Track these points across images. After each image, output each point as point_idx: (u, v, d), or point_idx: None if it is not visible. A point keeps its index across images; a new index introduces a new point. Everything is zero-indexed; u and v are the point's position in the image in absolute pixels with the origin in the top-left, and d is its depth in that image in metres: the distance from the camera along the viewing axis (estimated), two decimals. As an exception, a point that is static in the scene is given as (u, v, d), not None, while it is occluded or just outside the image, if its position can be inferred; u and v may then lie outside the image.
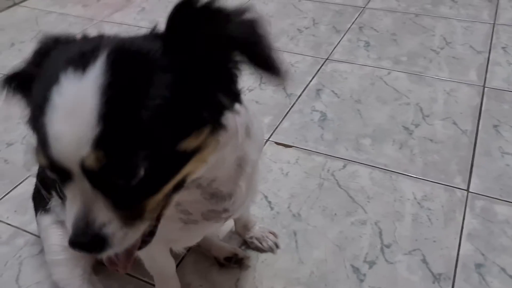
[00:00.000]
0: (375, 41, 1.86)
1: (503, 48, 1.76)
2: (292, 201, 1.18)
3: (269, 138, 1.39)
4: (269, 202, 1.18)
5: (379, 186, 1.21)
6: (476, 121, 1.40)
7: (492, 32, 1.86)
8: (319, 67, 1.71)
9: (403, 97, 1.53)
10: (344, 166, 1.27)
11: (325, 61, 1.75)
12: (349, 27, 1.97)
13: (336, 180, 1.23)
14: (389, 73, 1.65)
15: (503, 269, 0.99)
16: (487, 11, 2.02)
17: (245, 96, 1.62)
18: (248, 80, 1.65)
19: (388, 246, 1.06)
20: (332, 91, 1.58)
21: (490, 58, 1.70)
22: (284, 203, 1.18)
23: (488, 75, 1.61)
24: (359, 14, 2.06)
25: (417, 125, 1.40)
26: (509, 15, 1.99)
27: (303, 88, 1.60)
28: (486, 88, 1.54)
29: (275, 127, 1.43)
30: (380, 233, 1.09)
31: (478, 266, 1.00)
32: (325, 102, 1.53)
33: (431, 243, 1.06)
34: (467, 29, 1.89)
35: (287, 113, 1.49)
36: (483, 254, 1.03)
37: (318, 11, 2.11)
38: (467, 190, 1.18)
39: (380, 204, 1.16)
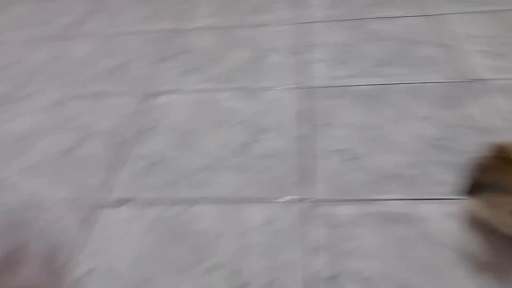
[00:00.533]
0: (199, 63, 1.80)
1: (313, 45, 1.82)
2: (138, 267, 1.05)
3: (100, 201, 1.23)
4: (113, 277, 1.03)
5: (225, 221, 1.14)
6: (305, 125, 1.42)
7: (302, 32, 1.94)
8: (145, 105, 1.60)
9: (233, 117, 1.49)
10: (186, 209, 1.18)
11: (150, 97, 1.64)
12: (171, 54, 1.89)
13: (180, 227, 1.13)
14: (217, 95, 1.61)
15: (358, 272, 0.99)
16: (291, 12, 2.10)
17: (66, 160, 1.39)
18: (67, 139, 1.47)
19: (245, 285, 0.99)
20: (163, 127, 1.48)
21: (305, 58, 1.75)
22: (130, 271, 1.04)
23: (306, 76, 1.65)
24: (179, 38, 2.00)
25: (252, 143, 1.37)
26: (315, 12, 2.09)
27: (132, 132, 1.47)
28: (306, 89, 1.58)
29: (107, 185, 1.28)
30: (235, 274, 1.01)
31: (335, 277, 0.99)
32: (158, 142, 1.42)
33: (287, 268, 1.02)
34: (280, 33, 1.94)
35: (118, 166, 1.35)
36: (337, 263, 1.01)
37: (137, 44, 1.99)
38: (309, 199, 1.17)
39: (229, 241, 1.09)
